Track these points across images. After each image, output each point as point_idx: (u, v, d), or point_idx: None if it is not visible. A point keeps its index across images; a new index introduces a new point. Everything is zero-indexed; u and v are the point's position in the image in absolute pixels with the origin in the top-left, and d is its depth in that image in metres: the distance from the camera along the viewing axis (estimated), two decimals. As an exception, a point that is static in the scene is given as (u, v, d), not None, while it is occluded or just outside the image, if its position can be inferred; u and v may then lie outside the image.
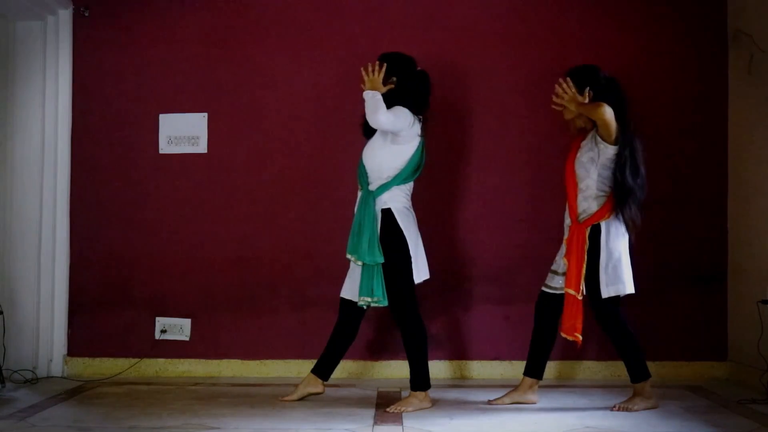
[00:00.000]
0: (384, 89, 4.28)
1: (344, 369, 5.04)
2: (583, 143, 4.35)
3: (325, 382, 4.48)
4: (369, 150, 4.37)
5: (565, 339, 4.37)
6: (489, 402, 4.44)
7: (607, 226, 4.24)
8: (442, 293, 5.09)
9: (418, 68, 4.41)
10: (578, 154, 4.33)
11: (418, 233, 4.36)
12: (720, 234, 5.18)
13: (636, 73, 5.10)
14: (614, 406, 4.31)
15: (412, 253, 4.28)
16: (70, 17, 5.18)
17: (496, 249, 5.16)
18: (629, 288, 4.27)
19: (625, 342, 4.30)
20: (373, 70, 4.28)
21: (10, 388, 4.70)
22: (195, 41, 5.23)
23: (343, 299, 4.42)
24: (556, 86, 4.28)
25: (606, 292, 4.23)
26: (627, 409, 4.27)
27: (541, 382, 4.47)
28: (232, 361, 5.18)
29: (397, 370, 5.04)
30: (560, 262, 4.37)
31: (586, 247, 4.23)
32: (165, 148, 5.22)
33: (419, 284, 4.34)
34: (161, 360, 5.18)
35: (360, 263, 4.28)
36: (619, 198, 4.22)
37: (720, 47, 5.20)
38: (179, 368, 5.18)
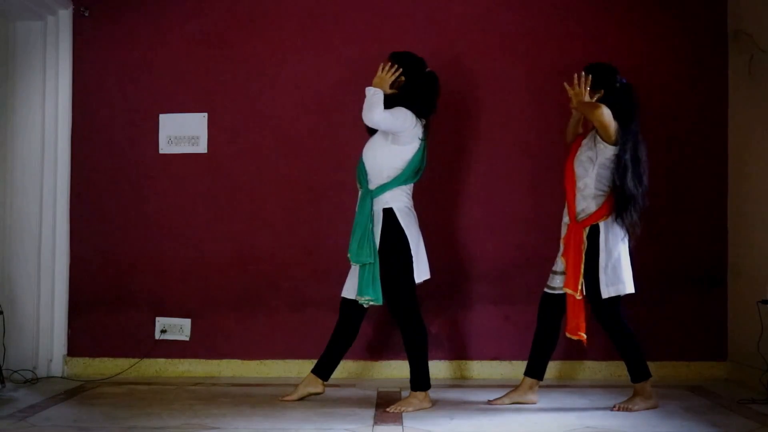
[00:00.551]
0: (389, 91, 4.27)
1: (344, 369, 5.04)
2: (584, 142, 4.35)
3: (325, 382, 4.47)
4: (369, 149, 4.37)
5: (567, 339, 4.37)
6: (489, 402, 4.44)
7: (606, 227, 4.24)
8: (442, 293, 5.09)
9: (428, 69, 4.41)
10: (578, 153, 4.33)
11: (420, 233, 4.36)
12: (720, 234, 5.18)
13: (636, 73, 5.07)
14: (614, 406, 4.31)
15: (413, 252, 4.28)
16: (70, 17, 5.18)
17: (496, 249, 5.16)
18: (629, 288, 4.27)
19: (626, 342, 4.30)
20: (388, 69, 4.28)
21: (10, 388, 4.70)
22: (195, 41, 5.23)
23: (344, 299, 4.42)
24: (575, 75, 4.27)
25: (606, 292, 4.23)
26: (627, 409, 4.27)
27: (541, 383, 4.47)
28: (232, 361, 5.18)
29: (397, 370, 5.04)
30: (559, 262, 4.37)
31: (584, 246, 4.24)
32: (165, 148, 5.22)
33: (420, 284, 4.34)
34: (161, 360, 5.18)
35: (353, 263, 4.29)
36: (619, 204, 4.21)
37: (720, 47, 5.20)
38: (179, 368, 5.18)
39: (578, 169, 4.30)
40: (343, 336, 4.43)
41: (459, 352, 5.18)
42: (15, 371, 4.91)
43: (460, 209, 5.19)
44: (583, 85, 4.26)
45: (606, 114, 4.16)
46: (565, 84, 4.31)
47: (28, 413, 4.18)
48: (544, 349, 4.43)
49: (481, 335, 5.16)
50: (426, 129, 4.38)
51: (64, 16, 5.15)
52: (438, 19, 5.22)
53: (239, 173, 5.21)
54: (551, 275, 4.41)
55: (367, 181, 4.34)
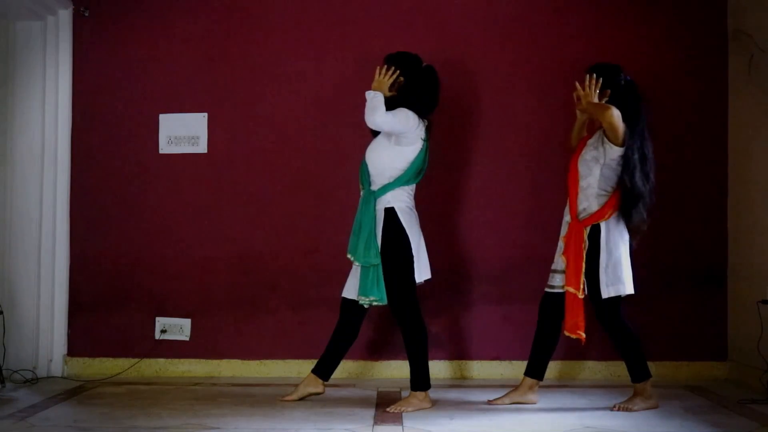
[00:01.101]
0: (389, 93, 4.27)
1: (344, 369, 5.04)
2: (589, 141, 4.35)
3: (325, 382, 4.47)
4: (372, 150, 4.37)
5: (567, 339, 4.37)
6: (489, 402, 4.44)
7: (606, 226, 4.25)
8: (442, 293, 5.09)
9: (424, 64, 4.41)
10: (583, 152, 4.33)
11: (421, 233, 4.36)
12: (720, 234, 5.18)
13: (636, 73, 5.07)
14: (614, 406, 4.31)
15: (414, 252, 4.28)
16: (70, 17, 5.18)
17: (496, 249, 5.16)
18: (629, 288, 4.27)
19: (627, 342, 4.30)
20: (385, 72, 4.28)
21: (10, 388, 4.71)
22: (195, 41, 5.23)
23: (344, 299, 4.42)
24: (586, 77, 4.27)
25: (606, 292, 4.23)
26: (627, 409, 4.27)
27: (541, 382, 4.47)
28: (232, 361, 5.18)
29: (397, 370, 5.04)
30: (559, 260, 4.37)
31: (585, 245, 4.24)
32: (165, 148, 5.22)
33: (420, 284, 4.35)
34: (161, 360, 5.18)
35: (357, 264, 4.29)
36: (628, 202, 4.22)
37: (720, 47, 5.20)
38: (179, 368, 5.18)
39: (582, 169, 4.30)
40: (343, 336, 4.43)
41: (459, 352, 5.18)
42: (15, 371, 4.91)
43: (460, 209, 5.19)
44: (592, 87, 4.26)
45: (616, 116, 4.16)
46: (577, 84, 4.30)
47: (28, 413, 4.18)
48: (544, 349, 4.43)
49: (481, 335, 5.16)
50: (429, 129, 4.38)
51: (64, 16, 5.15)
52: (439, 19, 5.22)
53: (239, 173, 5.21)
54: (551, 274, 4.41)
55: (369, 182, 4.34)
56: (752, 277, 4.85)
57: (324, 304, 5.03)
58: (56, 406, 4.36)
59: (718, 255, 5.17)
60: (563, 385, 4.96)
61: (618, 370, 4.96)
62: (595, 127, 4.40)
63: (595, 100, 4.27)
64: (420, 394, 4.31)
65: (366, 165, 4.38)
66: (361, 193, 4.39)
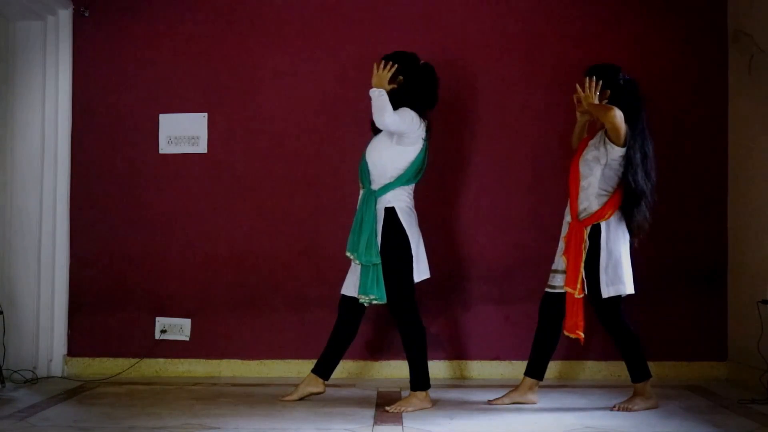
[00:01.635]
0: (388, 87, 4.27)
1: (344, 369, 5.04)
2: (591, 142, 4.35)
3: (325, 382, 4.47)
4: (373, 149, 4.37)
5: (567, 339, 4.37)
6: (489, 402, 4.44)
7: (607, 226, 4.25)
8: (442, 293, 5.09)
9: (422, 62, 4.41)
10: (584, 152, 4.33)
11: (420, 233, 4.37)
12: (720, 234, 5.18)
13: (636, 73, 5.07)
14: (614, 406, 4.31)
15: (413, 252, 4.28)
16: (70, 17, 5.18)
17: (496, 249, 5.16)
18: (629, 288, 4.27)
19: (627, 342, 4.30)
20: (383, 67, 4.28)
21: (10, 388, 4.71)
22: (195, 41, 5.23)
23: (343, 296, 4.42)
24: (586, 80, 4.27)
25: (606, 292, 4.23)
26: (627, 409, 4.27)
27: (541, 382, 4.47)
28: (232, 361, 5.18)
29: (397, 370, 5.04)
30: (559, 260, 4.37)
31: (585, 245, 4.24)
32: (165, 148, 5.22)
33: (419, 283, 4.35)
34: (161, 360, 5.18)
35: (358, 262, 4.29)
36: (629, 201, 4.22)
37: (720, 47, 5.20)
38: (179, 368, 5.18)
39: (583, 168, 4.30)
40: (342, 334, 4.43)
41: (459, 352, 5.17)
42: (15, 371, 4.92)
43: (460, 209, 5.19)
44: (592, 89, 4.25)
45: (619, 117, 4.16)
46: (577, 86, 4.30)
47: (28, 413, 4.18)
48: (544, 349, 4.43)
49: (481, 335, 5.16)
50: (428, 129, 4.38)
51: (64, 16, 5.15)
52: (438, 19, 5.22)
53: (239, 173, 5.21)
54: (551, 274, 4.41)
55: (370, 181, 4.34)
56: (752, 277, 4.85)
57: (324, 304, 5.03)
58: (56, 406, 4.36)
59: (718, 255, 5.17)
60: (563, 385, 4.97)
61: (618, 370, 4.96)
62: (596, 128, 4.40)
63: (596, 101, 4.27)
64: (420, 394, 4.31)
65: (366, 164, 4.37)
66: (361, 191, 4.39)
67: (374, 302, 4.28)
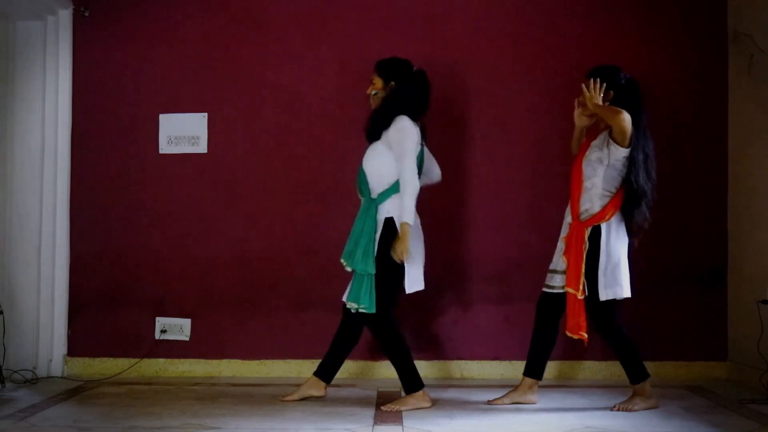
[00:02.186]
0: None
1: (344, 369, 5.01)
2: (593, 143, 4.34)
3: (327, 385, 4.46)
4: (370, 158, 4.35)
5: (566, 339, 4.37)
6: (489, 402, 4.44)
7: (607, 228, 4.24)
8: (442, 293, 5.09)
9: (415, 69, 4.40)
10: (587, 153, 4.33)
11: (421, 241, 4.34)
12: (720, 234, 5.19)
13: (636, 73, 5.06)
14: (614, 406, 4.32)
15: (407, 263, 4.25)
16: (70, 17, 5.18)
17: (496, 249, 5.16)
18: (626, 292, 4.27)
19: (621, 344, 4.30)
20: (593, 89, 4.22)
21: (10, 388, 4.71)
22: (195, 41, 5.23)
23: (345, 303, 4.40)
24: (591, 82, 4.25)
25: (604, 294, 4.22)
26: (627, 410, 4.27)
27: (541, 382, 4.47)
28: (232, 361, 5.18)
29: (397, 370, 5.04)
30: (558, 261, 4.37)
31: (585, 246, 4.24)
32: (165, 148, 5.22)
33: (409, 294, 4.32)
34: (161, 360, 5.18)
35: (350, 269, 4.28)
36: (630, 201, 4.22)
37: (720, 47, 5.20)
38: (179, 368, 5.18)
39: (587, 170, 4.29)
40: (345, 339, 4.42)
41: (459, 352, 5.17)
42: (15, 371, 4.91)
43: (460, 210, 5.19)
44: (596, 91, 4.24)
45: (627, 120, 4.16)
46: (583, 86, 4.29)
47: (28, 413, 4.18)
48: (543, 349, 4.43)
49: (481, 335, 5.16)
50: (423, 132, 4.38)
51: (64, 16, 5.15)
52: (438, 20, 5.22)
53: (239, 173, 5.21)
54: (549, 274, 4.41)
55: (369, 190, 4.33)
56: (752, 277, 4.85)
57: (324, 304, 5.04)
58: (56, 406, 4.36)
59: (718, 255, 5.17)
60: (563, 385, 4.97)
61: (618, 370, 4.94)
62: (599, 128, 4.39)
63: (600, 102, 4.26)
64: (416, 394, 4.31)
65: (363, 173, 4.36)
66: (361, 201, 4.38)
67: (361, 311, 4.26)
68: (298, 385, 4.50)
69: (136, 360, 5.15)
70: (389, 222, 4.26)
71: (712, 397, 4.62)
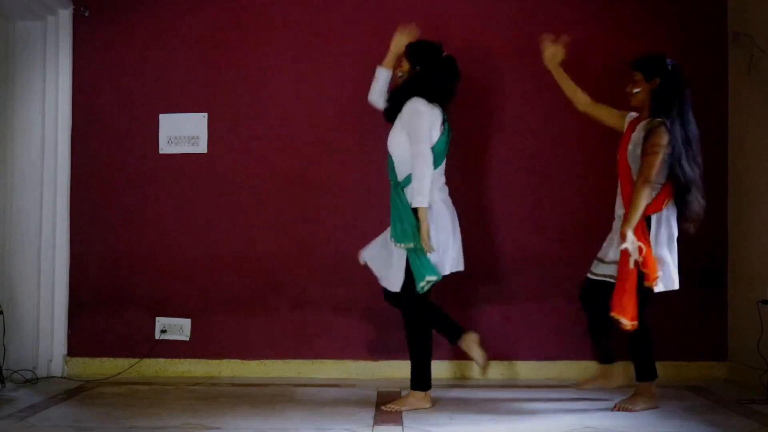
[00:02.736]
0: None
1: (344, 369, 5.05)
2: (633, 135, 4.29)
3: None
4: (392, 140, 4.31)
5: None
6: (577, 386, 4.42)
7: (657, 220, 4.21)
8: (442, 293, 5.07)
9: (444, 54, 4.36)
10: (629, 149, 4.28)
11: (451, 222, 4.28)
12: (720, 234, 5.18)
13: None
14: (614, 406, 4.31)
15: (441, 245, 4.21)
16: (70, 17, 5.18)
17: (496, 249, 5.15)
18: (672, 284, 4.23)
19: (641, 339, 4.27)
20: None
21: (10, 388, 4.71)
22: (195, 41, 5.23)
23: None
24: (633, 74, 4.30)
25: (645, 284, 4.18)
26: (627, 410, 4.27)
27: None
28: (232, 361, 5.18)
29: (397, 370, 5.04)
30: (608, 251, 4.31)
31: (647, 234, 4.17)
32: (165, 148, 5.22)
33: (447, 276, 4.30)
34: (161, 360, 5.18)
35: (400, 245, 4.18)
36: (681, 191, 4.20)
37: (720, 47, 5.20)
38: (179, 368, 5.18)
39: (633, 165, 4.26)
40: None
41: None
42: (15, 371, 4.91)
43: (459, 210, 5.16)
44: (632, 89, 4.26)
45: (655, 166, 4.14)
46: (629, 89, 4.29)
47: (28, 413, 4.18)
48: (602, 333, 4.37)
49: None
50: (445, 119, 4.33)
51: (64, 16, 5.15)
52: (439, 20, 5.20)
53: (239, 173, 5.21)
54: (595, 262, 4.35)
55: (395, 174, 4.30)
56: (752, 277, 4.85)
57: (324, 304, 5.04)
58: (56, 406, 4.36)
59: (718, 255, 5.17)
60: (563, 385, 4.96)
61: (618, 370, 4.96)
62: (640, 119, 4.31)
63: (635, 91, 4.27)
64: (418, 394, 4.31)
65: (390, 156, 4.33)
66: (391, 185, 4.33)
67: (432, 281, 4.18)
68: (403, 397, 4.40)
69: (136, 360, 5.15)
70: (414, 210, 4.21)
71: (712, 397, 4.62)
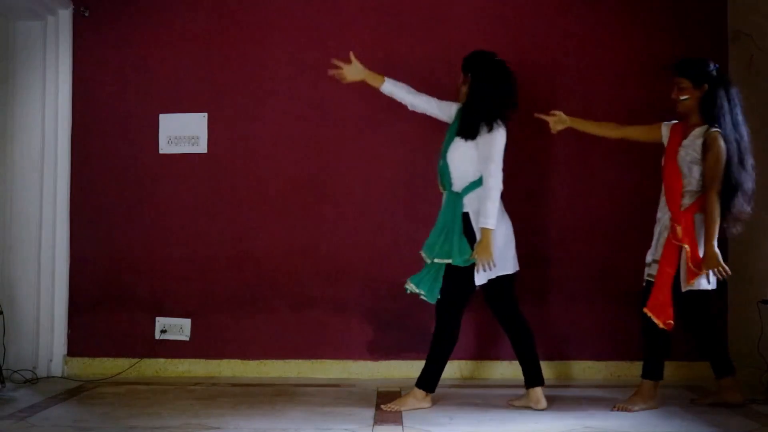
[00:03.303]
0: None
1: (344, 369, 5.05)
2: (685, 142, 4.30)
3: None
4: (456, 153, 4.29)
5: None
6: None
7: (700, 221, 4.23)
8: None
9: (496, 59, 4.33)
10: (681, 154, 4.28)
11: (505, 227, 4.30)
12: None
13: (636, 73, 5.11)
14: (614, 407, 4.32)
15: (497, 251, 4.21)
16: (70, 17, 5.18)
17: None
18: (707, 284, 4.25)
19: (655, 338, 4.29)
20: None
21: (10, 388, 4.70)
22: (195, 41, 5.23)
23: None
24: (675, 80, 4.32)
25: (685, 286, 4.21)
26: (627, 410, 4.27)
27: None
28: (232, 361, 5.18)
29: (397, 370, 5.04)
30: (658, 251, 4.31)
31: (696, 231, 4.19)
32: (165, 148, 5.22)
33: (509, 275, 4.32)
34: (161, 360, 5.18)
35: (429, 260, 4.23)
36: (727, 193, 4.20)
37: (720, 47, 5.20)
38: (179, 368, 5.18)
39: (683, 169, 4.27)
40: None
41: (459, 352, 5.14)
42: (15, 371, 4.91)
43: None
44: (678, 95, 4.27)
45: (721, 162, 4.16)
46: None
47: (28, 413, 4.18)
48: (658, 348, 4.36)
49: (482, 335, 5.16)
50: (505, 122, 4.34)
51: (64, 16, 5.15)
52: (440, 21, 5.21)
53: (239, 173, 5.21)
54: (651, 265, 4.35)
55: (451, 183, 4.30)
56: (752, 277, 4.85)
57: (324, 304, 5.04)
58: (56, 406, 4.36)
59: (718, 255, 5.16)
60: (563, 385, 4.96)
61: (618, 370, 4.97)
62: (688, 124, 4.33)
63: (683, 97, 4.28)
64: (419, 393, 4.31)
65: (447, 165, 4.31)
66: (444, 194, 4.34)
67: (421, 297, 4.23)
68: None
69: (136, 360, 5.15)
70: (465, 217, 4.23)
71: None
